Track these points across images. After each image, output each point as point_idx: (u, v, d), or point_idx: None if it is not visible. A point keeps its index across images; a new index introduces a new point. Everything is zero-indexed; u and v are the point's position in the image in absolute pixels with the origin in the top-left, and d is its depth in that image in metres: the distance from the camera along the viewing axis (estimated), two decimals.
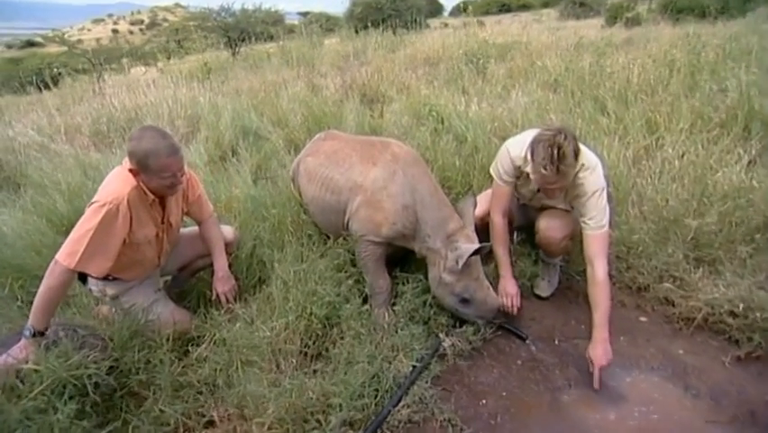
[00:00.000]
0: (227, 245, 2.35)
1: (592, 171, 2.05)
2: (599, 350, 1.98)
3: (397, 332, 2.09)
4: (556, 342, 2.27)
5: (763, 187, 2.41)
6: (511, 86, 5.49)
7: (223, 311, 2.15)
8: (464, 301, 2.14)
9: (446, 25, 17.04)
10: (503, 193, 2.33)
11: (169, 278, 2.47)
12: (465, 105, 4.51)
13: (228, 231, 2.44)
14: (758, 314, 2.09)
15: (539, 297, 2.51)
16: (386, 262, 2.35)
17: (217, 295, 2.20)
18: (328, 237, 2.55)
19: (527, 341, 2.24)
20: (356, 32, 12.05)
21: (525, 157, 2.11)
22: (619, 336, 2.30)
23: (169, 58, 14.27)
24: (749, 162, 2.66)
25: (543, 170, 1.89)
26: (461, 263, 2.06)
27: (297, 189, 2.73)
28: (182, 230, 2.38)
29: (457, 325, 2.18)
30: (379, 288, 2.26)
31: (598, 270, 2.02)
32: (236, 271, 2.37)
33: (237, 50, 13.34)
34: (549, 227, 2.28)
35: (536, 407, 1.95)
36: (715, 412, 1.93)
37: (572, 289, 2.56)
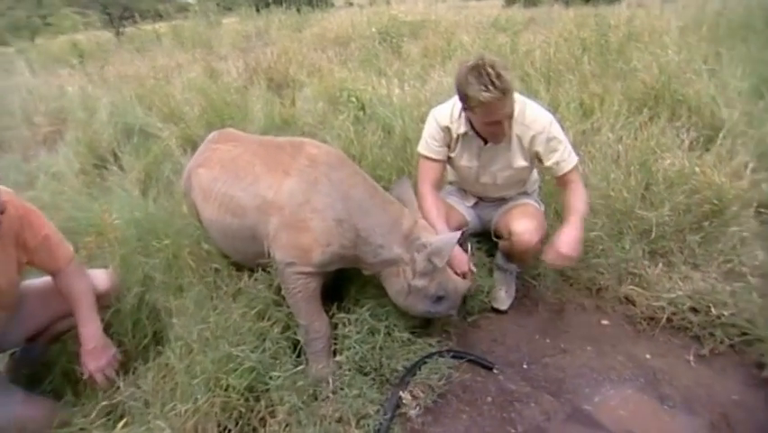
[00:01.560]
0: (100, 298, 1.67)
1: (535, 106, 1.90)
2: (564, 237, 1.76)
3: (343, 389, 1.61)
4: (525, 366, 1.94)
5: (707, 172, 2.27)
6: (430, 66, 5.10)
7: (101, 395, 1.50)
8: (439, 299, 1.77)
9: (351, 4, 16.26)
10: (432, 166, 2.02)
11: (16, 350, 1.73)
12: (387, 89, 4.02)
13: (101, 278, 1.74)
14: (722, 310, 1.94)
15: (498, 311, 2.16)
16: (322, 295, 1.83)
17: (90, 374, 1.53)
18: (241, 268, 1.96)
19: (494, 370, 1.88)
20: (257, 10, 10.96)
21: (452, 115, 1.92)
22: (585, 345, 2.06)
23: (33, 37, 11.91)
24: (689, 145, 2.53)
25: (485, 95, 1.61)
26: (440, 262, 1.67)
27: (191, 208, 2.08)
28: (29, 283, 1.65)
29: (418, 369, 1.73)
30: (316, 332, 1.74)
31: (577, 186, 1.89)
32: (116, 332, 1.71)
33: (121, 29, 11.48)
34: (525, 231, 1.92)
35: None
36: (693, 423, 1.75)
37: (530, 297, 2.27)
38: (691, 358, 1.96)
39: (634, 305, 2.14)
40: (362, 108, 3.63)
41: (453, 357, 1.83)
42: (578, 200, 1.85)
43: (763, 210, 2.24)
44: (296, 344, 1.76)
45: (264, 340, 1.64)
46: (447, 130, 1.95)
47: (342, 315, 1.80)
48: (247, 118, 3.95)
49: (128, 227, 2.11)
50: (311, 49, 6.82)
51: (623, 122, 2.76)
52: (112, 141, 3.51)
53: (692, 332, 2.02)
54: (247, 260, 1.92)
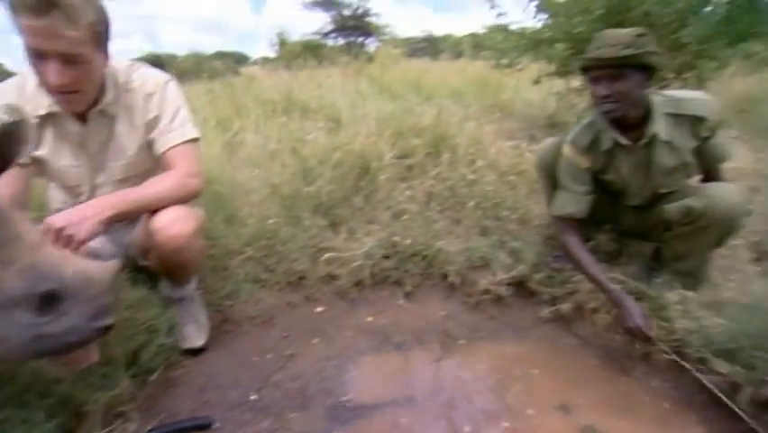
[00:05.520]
0: None
1: (149, 68, 1.37)
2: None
3: None
4: (253, 396, 1.35)
5: (344, 143, 2.40)
6: None
7: None
8: (48, 301, 0.86)
9: None
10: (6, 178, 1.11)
11: None
12: None
13: None
14: (406, 247, 1.99)
15: (193, 351, 1.48)
16: None
17: None
18: None
19: (216, 424, 1.21)
20: None
21: (22, 84, 1.24)
22: (310, 339, 1.68)
23: None
24: (324, 128, 2.66)
25: (26, 18, 0.99)
26: None
27: None
28: None
29: None
30: None
31: (176, 171, 1.31)
32: None
33: None
34: (169, 222, 1.24)
35: None
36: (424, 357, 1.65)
37: (229, 319, 1.69)
38: (402, 302, 1.92)
39: (336, 279, 1.94)
40: None
41: None
42: (154, 182, 1.28)
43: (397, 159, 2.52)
44: None
45: None
46: (16, 113, 1.18)
47: None
48: None
49: None
50: None
51: (263, 123, 2.68)
52: None
53: (393, 278, 1.99)
54: None
